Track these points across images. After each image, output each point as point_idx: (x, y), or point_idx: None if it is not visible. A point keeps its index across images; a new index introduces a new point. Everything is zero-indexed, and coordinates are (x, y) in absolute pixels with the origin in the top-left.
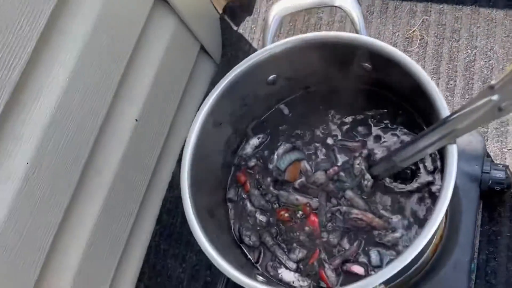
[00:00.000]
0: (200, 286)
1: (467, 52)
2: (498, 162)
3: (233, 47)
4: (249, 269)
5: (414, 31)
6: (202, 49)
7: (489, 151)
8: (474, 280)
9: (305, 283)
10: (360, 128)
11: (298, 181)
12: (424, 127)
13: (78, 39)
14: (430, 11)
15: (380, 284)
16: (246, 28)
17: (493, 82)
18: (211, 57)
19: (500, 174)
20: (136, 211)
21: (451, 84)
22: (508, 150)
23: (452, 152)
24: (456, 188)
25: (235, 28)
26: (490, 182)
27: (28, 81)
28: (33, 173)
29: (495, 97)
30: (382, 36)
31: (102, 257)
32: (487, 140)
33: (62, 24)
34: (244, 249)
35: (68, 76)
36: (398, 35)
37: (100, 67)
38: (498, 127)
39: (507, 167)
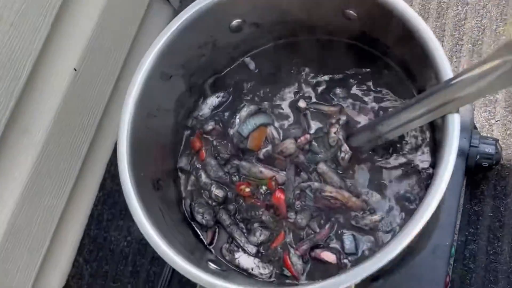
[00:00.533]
0: (147, 262)
1: (457, 9)
2: (484, 134)
3: None
4: (200, 253)
5: None
6: None
7: (475, 122)
8: (452, 264)
9: (267, 271)
10: (338, 90)
11: (263, 150)
12: (414, 93)
13: None
14: None
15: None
16: None
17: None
18: (168, 1)
19: (489, 149)
20: (76, 175)
21: (458, 46)
22: (496, 121)
23: (453, 124)
24: None
25: None
26: (477, 157)
27: None
28: None
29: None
30: None
31: (32, 228)
32: (474, 110)
33: None
34: (196, 228)
35: None
36: None
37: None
38: (487, 95)
39: (497, 141)
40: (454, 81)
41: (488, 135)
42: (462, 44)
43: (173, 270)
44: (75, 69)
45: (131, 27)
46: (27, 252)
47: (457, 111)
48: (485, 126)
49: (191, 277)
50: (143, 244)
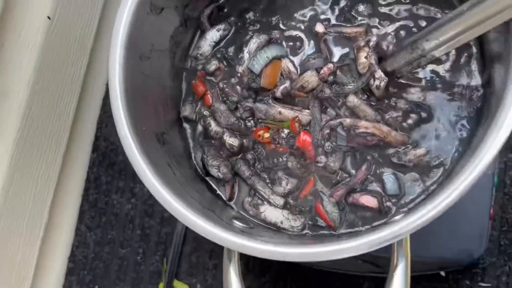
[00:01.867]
0: (156, 223)
1: None
2: None
3: None
4: (220, 210)
5: None
6: None
7: None
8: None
9: (298, 223)
10: (361, 7)
11: (281, 87)
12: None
13: None
14: None
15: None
16: None
17: None
18: None
19: None
20: (66, 138)
21: None
22: None
23: None
24: None
25: None
26: None
27: None
28: None
29: None
30: None
31: (27, 201)
32: None
33: None
34: (211, 183)
35: None
36: None
37: None
38: None
39: None
40: None
41: None
42: None
43: (186, 229)
44: (48, 17)
45: None
46: (26, 227)
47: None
48: None
49: (215, 239)
50: (150, 205)
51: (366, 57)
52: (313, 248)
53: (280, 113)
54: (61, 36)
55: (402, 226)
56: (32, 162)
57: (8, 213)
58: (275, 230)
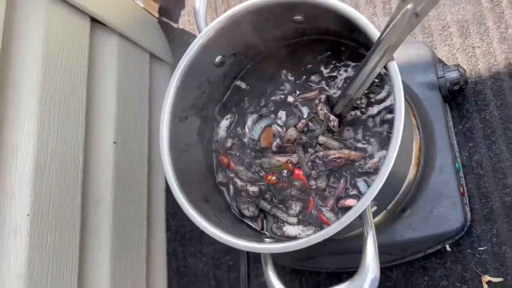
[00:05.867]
0: (224, 272)
1: None
2: (451, 64)
3: (180, 43)
4: (257, 237)
5: None
6: (153, 56)
7: (440, 57)
8: (464, 177)
9: (310, 231)
10: (313, 77)
11: (274, 144)
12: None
13: (33, 90)
14: None
15: (372, 206)
16: (184, 23)
17: None
18: (164, 60)
19: (454, 74)
20: (146, 227)
21: (387, 8)
22: (457, 50)
23: (394, 68)
24: (419, 100)
25: (175, 25)
26: (447, 84)
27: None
28: (36, 222)
29: (410, 6)
30: None
31: (126, 281)
32: (436, 48)
33: (12, 78)
34: (247, 222)
35: (36, 125)
36: None
37: (61, 105)
38: (441, 32)
39: (458, 65)
40: (381, 38)
41: (453, 64)
42: None
43: (248, 268)
44: (114, 142)
45: (144, 91)
46: None
47: (393, 59)
48: (450, 57)
49: (255, 249)
50: (217, 259)
51: (321, 109)
52: (318, 233)
53: (278, 160)
54: (124, 152)
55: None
56: (126, 249)
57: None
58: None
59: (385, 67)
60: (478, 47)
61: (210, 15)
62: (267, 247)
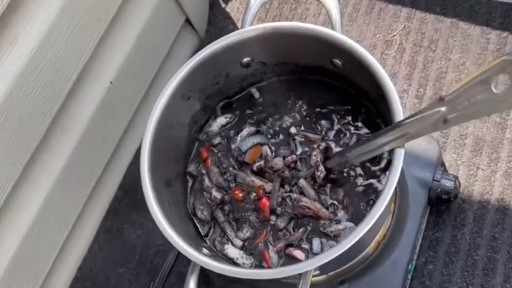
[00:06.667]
0: (152, 253)
1: (441, 63)
2: (451, 172)
3: (219, 25)
4: (197, 241)
5: (394, 35)
6: (188, 22)
7: (445, 161)
8: (410, 279)
9: (248, 261)
10: (323, 122)
11: (257, 164)
12: (383, 127)
13: None
14: (413, 18)
15: (315, 269)
16: (233, 8)
17: (444, 93)
18: (196, 31)
19: (449, 184)
20: (100, 173)
21: (421, 92)
22: (463, 162)
23: (399, 156)
24: (406, 190)
25: (223, 5)
26: (439, 190)
27: (6, 26)
28: None
29: (443, 109)
30: (364, 35)
31: (60, 214)
32: (445, 150)
33: None
34: (196, 222)
35: (48, 27)
36: (379, 37)
37: (79, 24)
38: (457, 139)
39: (457, 178)
40: (402, 123)
41: (453, 174)
42: (441, 93)
43: (173, 263)
44: (111, 82)
45: (162, 49)
46: (53, 234)
47: (403, 146)
48: (453, 165)
49: (189, 255)
50: (151, 239)
51: (315, 156)
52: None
53: (253, 181)
54: (116, 96)
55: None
56: (70, 184)
57: (44, 218)
58: (231, 263)
59: (392, 150)
60: (483, 170)
61: (260, 14)
62: (203, 260)
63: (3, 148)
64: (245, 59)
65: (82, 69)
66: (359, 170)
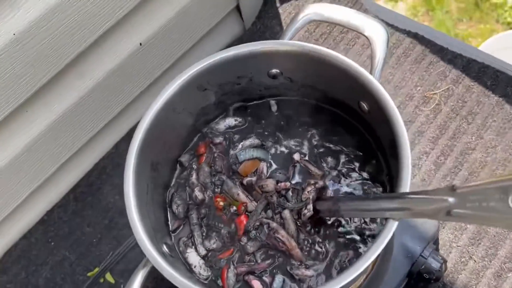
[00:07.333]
0: (122, 222)
1: (471, 139)
2: (442, 252)
3: (266, 22)
4: (161, 235)
5: (435, 93)
6: (237, 9)
7: (440, 238)
8: None
9: (205, 273)
10: (329, 159)
11: (248, 178)
12: (387, 188)
13: None
14: (460, 83)
15: None
16: (285, 11)
17: (457, 183)
18: (242, 20)
19: (435, 265)
20: (98, 129)
21: (441, 160)
22: (457, 246)
23: (391, 228)
24: (389, 255)
25: (277, 4)
26: (423, 267)
27: None
28: (16, 45)
29: (451, 200)
30: (405, 83)
31: (50, 149)
32: (444, 227)
33: None
34: (168, 214)
35: None
36: (419, 89)
37: None
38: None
39: (445, 261)
40: (404, 196)
41: (443, 256)
42: (460, 169)
43: (125, 252)
44: (140, 44)
45: (202, 27)
46: (35, 169)
47: (398, 220)
48: (446, 245)
49: (145, 250)
50: (117, 212)
51: (308, 192)
52: None
53: (238, 194)
54: (140, 60)
55: None
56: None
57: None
58: (187, 269)
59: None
60: (475, 261)
61: (308, 27)
62: (158, 261)
63: (15, 73)
64: (274, 70)
65: (115, 22)
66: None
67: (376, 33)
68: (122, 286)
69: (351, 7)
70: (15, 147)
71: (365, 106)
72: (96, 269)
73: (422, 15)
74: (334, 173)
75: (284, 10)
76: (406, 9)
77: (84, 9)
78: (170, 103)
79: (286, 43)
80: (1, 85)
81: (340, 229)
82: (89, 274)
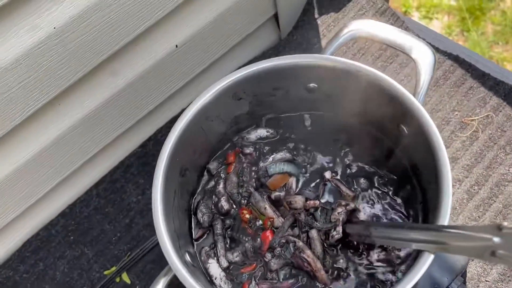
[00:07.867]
0: (142, 223)
1: (508, 170)
2: (469, 286)
3: (303, 33)
4: (184, 242)
5: (473, 120)
6: (275, 17)
7: (468, 271)
8: None
9: (226, 287)
10: (362, 180)
11: (277, 193)
12: (419, 216)
13: None
14: (500, 111)
15: None
16: (324, 22)
17: (506, 223)
18: (279, 29)
19: None
20: (127, 127)
21: (475, 190)
22: (486, 281)
23: (425, 262)
24: (415, 284)
25: (316, 16)
26: None
27: None
28: (55, 39)
29: (496, 240)
30: (442, 106)
31: (76, 145)
32: (473, 260)
33: None
34: (193, 221)
35: None
36: (457, 114)
37: None
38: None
39: None
40: (443, 229)
41: None
42: (494, 201)
43: (157, 243)
44: (176, 46)
45: (238, 34)
46: (62, 161)
47: (434, 253)
48: (474, 279)
49: (169, 258)
50: (148, 209)
51: (339, 213)
52: None
53: (265, 208)
54: (175, 62)
55: None
56: (99, 125)
57: (61, 144)
58: (208, 280)
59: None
60: None
61: (349, 45)
62: (181, 271)
63: (52, 66)
64: (312, 85)
65: (154, 23)
66: (377, 249)
67: (423, 55)
68: (137, 287)
69: (392, 24)
70: (45, 138)
71: (404, 129)
72: (113, 268)
73: (456, 35)
74: (366, 194)
75: (323, 22)
76: (441, 28)
77: (124, 8)
78: (204, 110)
79: (328, 58)
80: (38, 77)
81: (369, 257)
82: (105, 272)
